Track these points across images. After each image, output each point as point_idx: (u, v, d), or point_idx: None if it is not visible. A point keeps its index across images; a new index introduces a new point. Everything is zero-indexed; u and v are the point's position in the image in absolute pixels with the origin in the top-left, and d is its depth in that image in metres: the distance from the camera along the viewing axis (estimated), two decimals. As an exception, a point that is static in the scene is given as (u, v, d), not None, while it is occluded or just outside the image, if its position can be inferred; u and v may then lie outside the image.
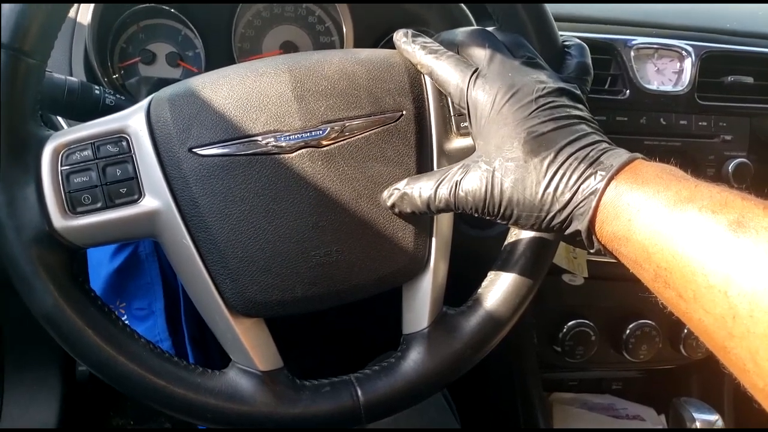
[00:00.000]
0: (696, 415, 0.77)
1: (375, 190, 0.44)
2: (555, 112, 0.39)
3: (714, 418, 0.78)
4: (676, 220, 0.31)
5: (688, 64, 0.81)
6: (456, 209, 0.42)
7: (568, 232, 0.38)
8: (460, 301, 0.49)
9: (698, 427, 0.76)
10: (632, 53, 0.79)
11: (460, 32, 0.45)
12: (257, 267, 0.42)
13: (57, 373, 0.86)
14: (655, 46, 0.81)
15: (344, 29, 0.74)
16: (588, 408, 1.01)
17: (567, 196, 0.37)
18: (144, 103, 0.43)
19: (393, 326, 0.50)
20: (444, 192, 0.42)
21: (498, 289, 0.48)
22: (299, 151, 0.42)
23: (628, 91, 0.79)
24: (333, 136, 0.43)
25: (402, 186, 0.43)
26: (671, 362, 0.96)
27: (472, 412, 0.99)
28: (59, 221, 0.40)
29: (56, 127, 0.60)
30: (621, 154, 0.37)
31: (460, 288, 0.50)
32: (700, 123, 0.82)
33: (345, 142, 0.43)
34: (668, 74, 0.81)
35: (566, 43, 0.49)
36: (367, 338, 0.81)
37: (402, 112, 0.44)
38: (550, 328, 0.91)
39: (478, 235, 0.75)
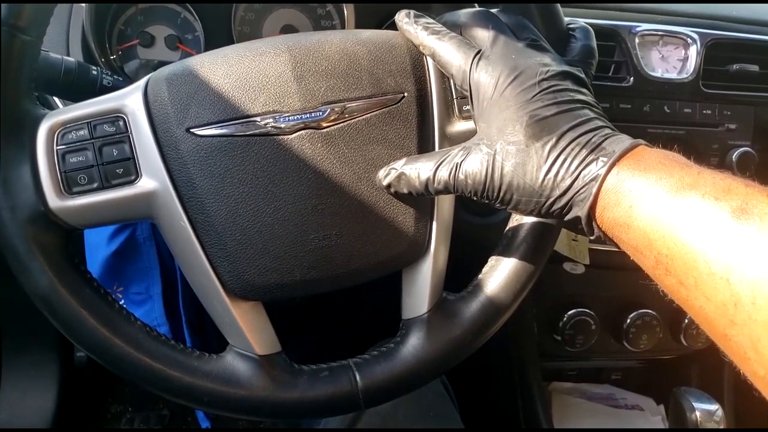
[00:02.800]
0: (696, 405, 0.77)
1: (375, 173, 0.43)
2: (558, 96, 0.38)
3: (714, 408, 0.77)
4: (678, 206, 0.31)
5: (693, 51, 0.80)
6: (455, 192, 0.41)
7: (568, 218, 0.37)
8: (460, 287, 0.49)
9: (698, 416, 0.76)
10: (637, 40, 0.79)
11: (463, 13, 0.44)
12: (255, 250, 0.42)
13: (55, 359, 0.86)
14: (660, 33, 0.80)
15: (345, 13, 0.73)
16: (587, 397, 1.01)
17: (568, 181, 0.36)
18: (141, 82, 0.42)
19: (392, 311, 0.50)
20: (443, 174, 0.41)
21: (499, 274, 0.48)
22: (299, 133, 0.42)
23: (632, 78, 0.78)
24: (333, 117, 0.42)
25: (399, 166, 0.42)
26: (671, 352, 0.96)
27: (470, 399, 0.99)
28: (55, 201, 0.40)
29: (53, 108, 0.60)
30: (623, 140, 0.36)
31: (461, 274, 0.50)
32: (704, 111, 0.81)
33: (345, 123, 0.42)
34: (673, 62, 0.80)
35: (571, 26, 0.48)
36: (366, 323, 0.81)
37: (404, 93, 0.44)
38: (550, 316, 0.90)
39: (479, 222, 0.74)
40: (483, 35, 0.42)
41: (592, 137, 0.37)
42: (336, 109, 0.42)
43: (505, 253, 0.48)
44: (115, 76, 0.55)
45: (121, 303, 0.44)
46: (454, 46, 0.42)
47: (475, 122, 0.42)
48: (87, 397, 1.04)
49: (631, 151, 0.35)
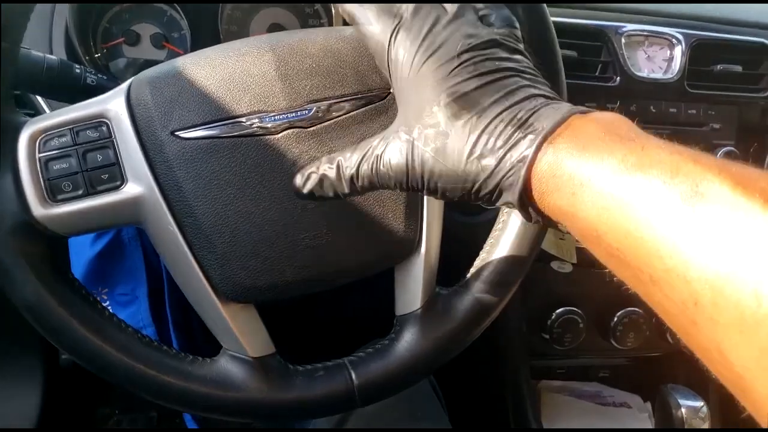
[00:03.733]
0: (682, 402, 0.78)
1: None
2: (480, 66, 0.34)
3: (699, 405, 0.78)
4: (624, 194, 0.28)
5: (678, 51, 0.81)
6: (380, 187, 0.38)
7: (499, 203, 0.34)
8: (450, 284, 0.49)
9: (684, 413, 0.77)
10: (623, 40, 0.79)
11: None
12: (245, 251, 0.41)
13: (39, 361, 0.84)
14: (645, 33, 0.80)
15: (333, 11, 0.73)
16: (576, 396, 1.01)
17: (492, 163, 0.32)
18: (124, 86, 0.42)
19: (385, 309, 0.50)
20: (365, 168, 0.37)
21: (489, 269, 0.48)
22: (285, 132, 0.42)
23: (618, 78, 0.79)
24: (319, 115, 0.42)
25: (320, 168, 0.38)
26: (658, 350, 0.97)
27: (459, 399, 0.99)
28: (39, 210, 0.39)
29: (36, 108, 0.59)
30: (554, 112, 0.32)
31: (451, 271, 0.50)
32: (689, 111, 0.82)
33: (332, 121, 0.42)
34: (658, 62, 0.81)
35: None
36: (359, 321, 0.81)
37: (390, 89, 0.44)
38: (538, 315, 0.91)
39: (468, 221, 0.74)
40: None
41: (518, 112, 0.32)
42: (322, 107, 0.42)
43: (495, 248, 0.49)
44: (100, 75, 0.55)
45: (106, 305, 0.43)
46: (374, 13, 0.37)
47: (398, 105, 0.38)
48: (73, 400, 1.02)
49: (564, 125, 0.31)
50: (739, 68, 0.83)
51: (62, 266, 0.42)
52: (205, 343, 0.45)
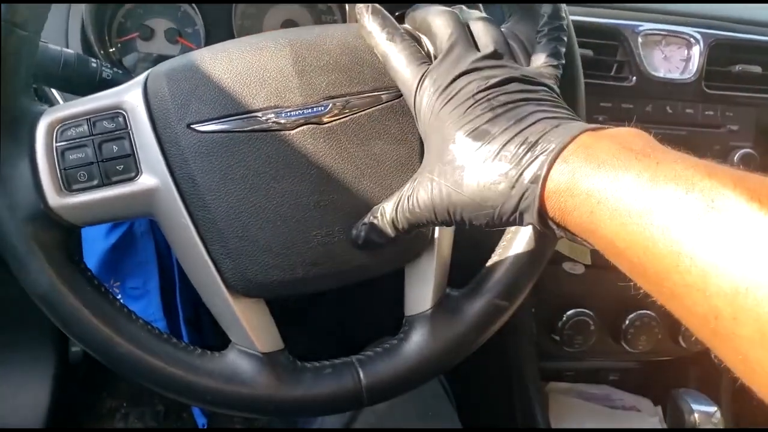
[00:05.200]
0: (694, 407, 0.77)
1: (378, 169, 0.42)
2: (494, 101, 0.36)
3: (712, 410, 0.77)
4: (640, 210, 0.28)
5: (696, 51, 0.80)
6: (417, 225, 0.40)
7: (524, 224, 0.35)
8: (461, 285, 0.49)
9: (696, 418, 0.76)
10: (640, 39, 0.78)
11: (430, 12, 0.42)
12: (257, 247, 0.41)
13: (49, 354, 0.85)
14: (663, 32, 0.79)
15: (347, 9, 0.73)
16: (584, 398, 1.01)
17: (506, 187, 0.33)
18: (141, 78, 0.42)
19: (394, 308, 0.49)
20: (401, 211, 0.40)
21: (502, 270, 0.47)
22: (300, 128, 0.41)
23: (634, 78, 0.78)
24: (335, 112, 0.42)
25: (368, 219, 0.41)
26: (670, 354, 0.96)
27: (468, 399, 0.99)
28: (54, 199, 0.39)
29: (51, 101, 0.59)
30: (564, 132, 0.33)
31: (463, 273, 0.49)
32: (706, 112, 0.81)
33: (347, 118, 0.42)
34: (675, 62, 0.80)
35: (544, 16, 0.44)
36: (368, 320, 0.80)
37: None
38: (549, 316, 0.90)
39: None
40: (440, 45, 0.40)
41: (529, 135, 0.33)
42: (338, 103, 0.42)
43: (508, 249, 0.48)
44: (115, 69, 0.55)
45: (118, 297, 0.44)
46: (405, 57, 0.40)
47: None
48: (81, 393, 1.03)
49: (577, 142, 0.32)
50: (758, 69, 0.82)
51: (76, 256, 0.42)
52: (215, 339, 0.45)
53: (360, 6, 0.43)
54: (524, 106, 0.35)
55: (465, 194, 0.35)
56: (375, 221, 0.41)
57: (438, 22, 0.41)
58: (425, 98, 0.38)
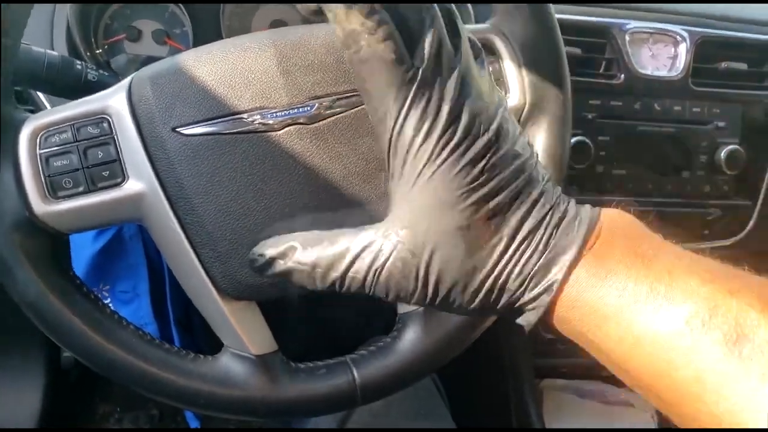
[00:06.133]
0: (686, 402, 0.78)
1: (366, 167, 0.42)
2: (504, 168, 0.29)
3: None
4: (657, 332, 0.26)
5: (683, 49, 0.80)
6: (370, 295, 0.32)
7: (515, 320, 0.32)
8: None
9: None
10: (627, 37, 0.78)
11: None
12: (247, 249, 0.41)
13: (41, 360, 0.85)
14: (650, 30, 0.80)
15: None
16: (579, 395, 1.01)
17: (517, 293, 0.29)
18: (125, 82, 0.41)
19: (386, 307, 0.49)
20: (358, 277, 0.31)
21: None
22: (287, 129, 0.41)
23: (622, 75, 0.78)
24: (321, 112, 0.42)
25: (290, 258, 0.33)
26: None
27: (462, 397, 0.99)
28: (40, 206, 0.39)
29: (36, 105, 0.59)
30: (575, 228, 0.29)
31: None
32: (693, 109, 0.81)
33: (334, 118, 0.42)
34: (663, 59, 0.81)
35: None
36: (361, 319, 0.80)
37: None
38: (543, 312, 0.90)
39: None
40: (424, 49, 0.28)
41: (545, 226, 0.29)
42: (324, 103, 0.42)
43: None
44: (101, 71, 0.54)
45: (107, 302, 0.43)
46: (384, 72, 0.28)
47: (391, 191, 0.31)
48: (74, 398, 1.02)
49: (587, 244, 0.29)
50: (744, 66, 0.83)
51: (64, 263, 0.42)
52: (207, 341, 0.45)
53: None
54: (527, 172, 0.30)
55: (467, 293, 0.30)
56: (300, 269, 0.32)
57: (419, 21, 0.29)
58: (419, 137, 0.28)
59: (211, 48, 0.43)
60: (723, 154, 0.81)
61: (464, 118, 0.28)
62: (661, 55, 0.81)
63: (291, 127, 0.41)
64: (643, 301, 0.26)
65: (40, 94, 0.59)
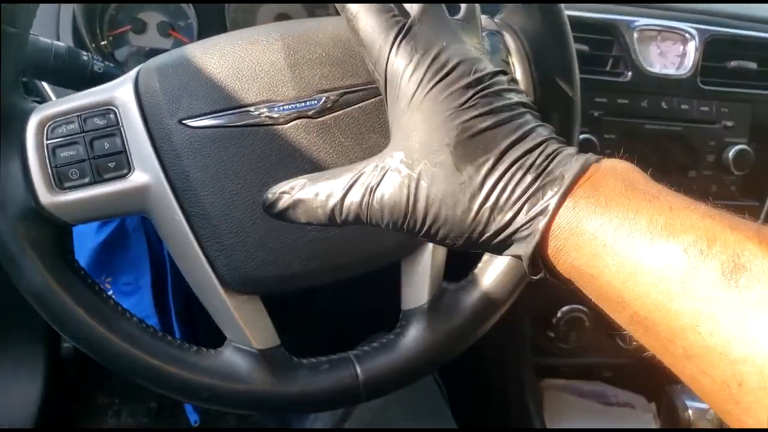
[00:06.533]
0: (689, 403, 0.77)
1: None
2: (495, 100, 0.30)
3: (706, 406, 0.77)
4: (655, 261, 0.26)
5: (691, 47, 0.80)
6: (367, 223, 0.33)
7: (505, 254, 0.31)
8: (456, 279, 0.48)
9: (691, 415, 0.76)
10: (635, 35, 0.78)
11: None
12: (252, 242, 0.41)
13: (41, 351, 0.85)
14: (658, 28, 0.79)
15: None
16: (579, 395, 1.01)
17: (508, 215, 0.29)
18: (132, 73, 0.41)
19: (390, 303, 0.49)
20: (354, 200, 0.32)
21: (498, 264, 0.47)
22: (294, 122, 0.41)
23: (630, 73, 0.78)
24: (328, 106, 0.41)
25: (296, 190, 0.33)
26: (664, 350, 0.96)
27: (462, 395, 0.98)
28: (46, 197, 0.39)
29: (42, 96, 0.58)
30: (573, 161, 0.29)
31: (459, 267, 0.49)
32: (701, 108, 0.81)
33: (341, 112, 0.42)
34: (671, 57, 0.80)
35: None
36: (364, 315, 0.80)
37: None
38: (543, 313, 0.90)
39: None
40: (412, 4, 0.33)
41: (537, 157, 0.29)
42: (331, 97, 0.41)
43: None
44: (106, 63, 0.54)
45: (110, 294, 0.43)
46: (374, 15, 0.31)
47: (389, 123, 0.33)
48: (73, 389, 1.02)
49: (586, 176, 0.29)
50: (753, 65, 0.82)
51: (68, 254, 0.42)
52: (207, 334, 0.45)
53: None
54: (524, 115, 0.31)
55: (455, 210, 0.30)
56: (305, 198, 0.33)
57: None
58: (405, 66, 0.31)
59: (218, 40, 0.42)
60: (731, 153, 0.80)
61: (453, 58, 0.31)
62: (669, 53, 0.80)
63: (298, 121, 0.41)
64: (642, 231, 0.26)
65: (45, 85, 0.58)
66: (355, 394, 0.45)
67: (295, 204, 0.33)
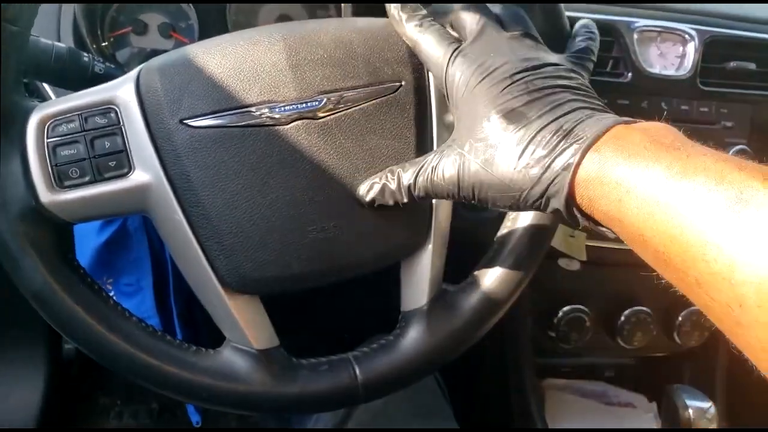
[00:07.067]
0: (689, 402, 0.77)
1: (373, 164, 0.42)
2: (531, 85, 0.36)
3: (707, 405, 0.77)
4: (670, 199, 0.29)
5: (691, 48, 0.80)
6: (435, 196, 0.41)
7: (549, 210, 0.36)
8: (457, 281, 0.48)
9: (691, 414, 0.76)
10: (635, 36, 0.78)
11: (455, 6, 0.43)
12: (252, 243, 0.41)
13: (42, 352, 0.85)
14: (658, 29, 0.79)
15: (342, 5, 0.72)
16: (580, 394, 1.01)
17: (538, 172, 0.34)
18: (133, 73, 0.41)
19: (390, 304, 0.49)
20: (422, 179, 0.40)
21: (498, 266, 0.47)
22: (294, 123, 0.41)
23: (630, 74, 0.78)
24: (329, 107, 0.42)
25: (382, 179, 0.41)
26: (665, 350, 0.96)
27: (464, 396, 0.98)
28: (46, 196, 0.39)
29: (43, 96, 0.59)
30: (598, 122, 0.33)
31: (459, 269, 0.49)
32: (701, 109, 0.81)
33: (342, 113, 0.42)
34: (671, 58, 0.80)
35: (579, 24, 0.47)
36: (364, 316, 0.80)
37: (401, 82, 0.43)
38: (545, 313, 0.90)
39: (476, 218, 0.74)
40: (469, 28, 0.41)
41: (564, 123, 0.34)
42: (332, 98, 0.42)
43: (504, 245, 0.48)
44: (107, 64, 0.54)
45: (111, 294, 0.43)
46: (435, 38, 0.41)
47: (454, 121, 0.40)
48: (75, 391, 1.03)
49: (610, 134, 0.33)
50: (753, 66, 0.82)
51: (68, 253, 0.42)
52: (209, 335, 0.45)
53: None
54: (560, 93, 0.36)
55: (495, 174, 0.36)
56: (389, 183, 0.41)
57: (465, 10, 0.42)
58: (458, 73, 0.38)
59: (220, 41, 0.42)
60: (730, 154, 0.80)
61: (497, 61, 0.38)
62: (669, 54, 0.80)
63: (299, 122, 0.41)
64: (660, 176, 0.29)
65: (46, 85, 0.59)
66: (354, 395, 0.45)
67: (383, 189, 0.41)
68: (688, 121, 0.81)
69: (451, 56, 0.39)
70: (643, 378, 1.06)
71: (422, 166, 0.40)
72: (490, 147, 0.36)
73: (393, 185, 0.41)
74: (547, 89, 0.36)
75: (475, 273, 0.48)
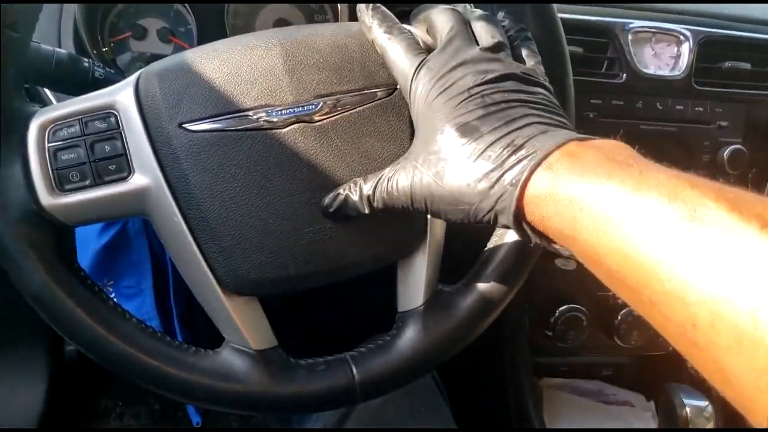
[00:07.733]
0: (686, 401, 0.78)
1: (369, 166, 0.43)
2: (489, 98, 0.36)
3: (704, 404, 0.78)
4: (623, 217, 0.28)
5: (685, 48, 0.80)
6: (391, 208, 0.40)
7: (498, 226, 0.35)
8: (453, 281, 0.49)
9: (688, 412, 0.77)
10: (630, 37, 0.79)
11: (432, 10, 0.42)
12: (250, 245, 0.41)
13: (44, 354, 0.85)
14: (653, 30, 0.80)
15: (339, 7, 0.73)
16: (578, 393, 1.01)
17: (486, 186, 0.34)
18: (132, 77, 0.42)
19: (387, 305, 0.50)
20: (379, 191, 0.40)
21: (493, 266, 0.48)
22: (291, 127, 0.42)
23: (624, 74, 0.78)
24: (326, 110, 0.42)
25: (344, 189, 0.41)
26: (662, 349, 0.97)
27: (461, 395, 0.99)
28: (47, 199, 0.39)
29: (44, 101, 0.59)
30: (551, 138, 0.33)
31: (454, 269, 0.50)
32: (696, 108, 0.81)
33: (338, 117, 0.42)
34: (665, 59, 0.81)
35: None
36: (360, 317, 0.81)
37: (396, 86, 0.43)
38: (541, 312, 0.91)
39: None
40: (440, 36, 0.40)
41: (516, 137, 0.34)
42: (329, 102, 0.42)
43: (499, 245, 0.48)
44: (107, 69, 0.55)
45: (112, 297, 0.44)
46: (403, 48, 0.40)
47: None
48: (76, 392, 1.03)
49: (563, 150, 0.32)
50: (747, 66, 0.83)
51: (69, 256, 0.42)
52: (209, 336, 0.46)
53: (361, 4, 0.43)
54: (517, 107, 0.36)
55: (444, 187, 0.36)
56: (351, 194, 0.41)
57: (440, 17, 0.41)
58: (420, 86, 0.38)
59: (218, 45, 0.43)
60: (725, 153, 0.81)
61: (456, 74, 0.37)
62: (663, 55, 0.81)
63: (295, 125, 0.42)
64: (613, 193, 0.29)
65: (47, 91, 0.59)
66: (351, 394, 0.45)
67: (346, 200, 0.41)
68: (684, 121, 0.81)
69: (416, 69, 0.39)
70: (640, 377, 1.06)
71: (380, 178, 0.40)
72: (442, 160, 0.36)
73: (355, 196, 0.41)
74: (503, 103, 0.36)
75: (471, 274, 0.49)
